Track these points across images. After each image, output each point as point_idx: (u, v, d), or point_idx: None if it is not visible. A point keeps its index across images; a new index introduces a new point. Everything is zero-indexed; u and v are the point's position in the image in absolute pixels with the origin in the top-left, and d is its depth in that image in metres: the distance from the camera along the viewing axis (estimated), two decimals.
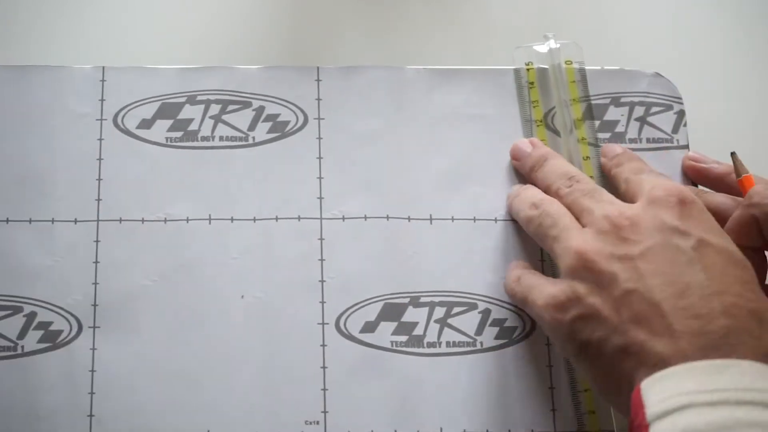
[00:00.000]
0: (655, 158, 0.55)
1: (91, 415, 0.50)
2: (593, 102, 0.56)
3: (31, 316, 0.51)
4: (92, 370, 0.51)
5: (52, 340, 0.51)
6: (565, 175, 0.52)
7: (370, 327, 0.52)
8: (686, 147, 0.55)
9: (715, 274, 0.43)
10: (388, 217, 0.54)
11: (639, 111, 0.56)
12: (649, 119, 0.56)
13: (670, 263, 0.44)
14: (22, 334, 0.51)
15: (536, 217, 0.50)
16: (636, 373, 0.43)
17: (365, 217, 0.54)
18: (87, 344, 0.51)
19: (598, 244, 0.46)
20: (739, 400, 0.39)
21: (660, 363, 0.42)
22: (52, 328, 0.51)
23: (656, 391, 0.41)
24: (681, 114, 0.56)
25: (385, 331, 0.52)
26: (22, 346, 0.51)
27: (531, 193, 0.52)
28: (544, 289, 0.48)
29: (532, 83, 0.56)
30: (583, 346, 0.45)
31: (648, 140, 0.56)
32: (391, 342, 0.52)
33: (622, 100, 0.56)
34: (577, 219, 0.49)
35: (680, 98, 0.56)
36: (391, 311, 0.52)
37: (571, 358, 0.47)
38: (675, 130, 0.56)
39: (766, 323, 0.42)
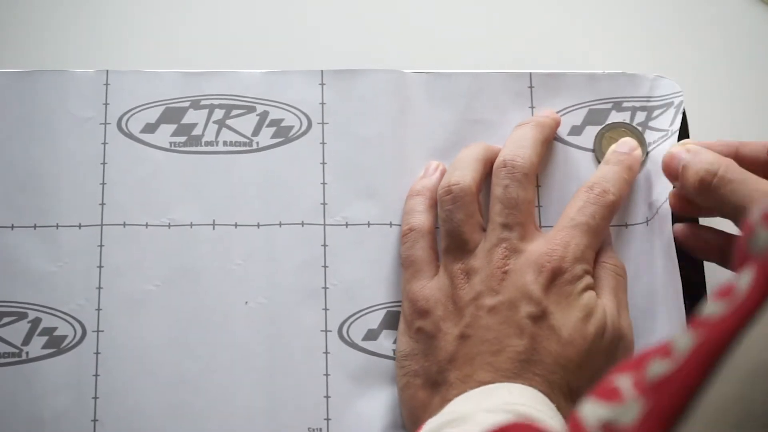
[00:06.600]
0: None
1: (95, 420, 0.50)
2: (594, 107, 0.55)
3: (36, 321, 0.51)
4: (96, 375, 0.51)
5: (56, 345, 0.51)
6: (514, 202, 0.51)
7: (372, 335, 0.52)
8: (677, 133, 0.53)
9: (536, 346, 0.47)
10: (391, 224, 0.53)
11: (641, 116, 0.55)
12: (651, 123, 0.55)
13: (505, 323, 0.47)
14: (26, 340, 0.51)
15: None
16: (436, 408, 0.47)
17: (368, 224, 0.53)
18: (91, 349, 0.51)
19: (471, 283, 0.49)
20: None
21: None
22: (56, 333, 0.51)
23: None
24: (679, 105, 0.54)
25: (387, 340, 0.52)
26: (27, 352, 0.51)
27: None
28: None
29: None
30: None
31: (650, 144, 0.54)
32: (393, 350, 0.52)
33: (624, 104, 0.55)
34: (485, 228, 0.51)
35: (680, 91, 0.54)
36: (393, 319, 0.52)
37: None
38: (671, 123, 0.54)
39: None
